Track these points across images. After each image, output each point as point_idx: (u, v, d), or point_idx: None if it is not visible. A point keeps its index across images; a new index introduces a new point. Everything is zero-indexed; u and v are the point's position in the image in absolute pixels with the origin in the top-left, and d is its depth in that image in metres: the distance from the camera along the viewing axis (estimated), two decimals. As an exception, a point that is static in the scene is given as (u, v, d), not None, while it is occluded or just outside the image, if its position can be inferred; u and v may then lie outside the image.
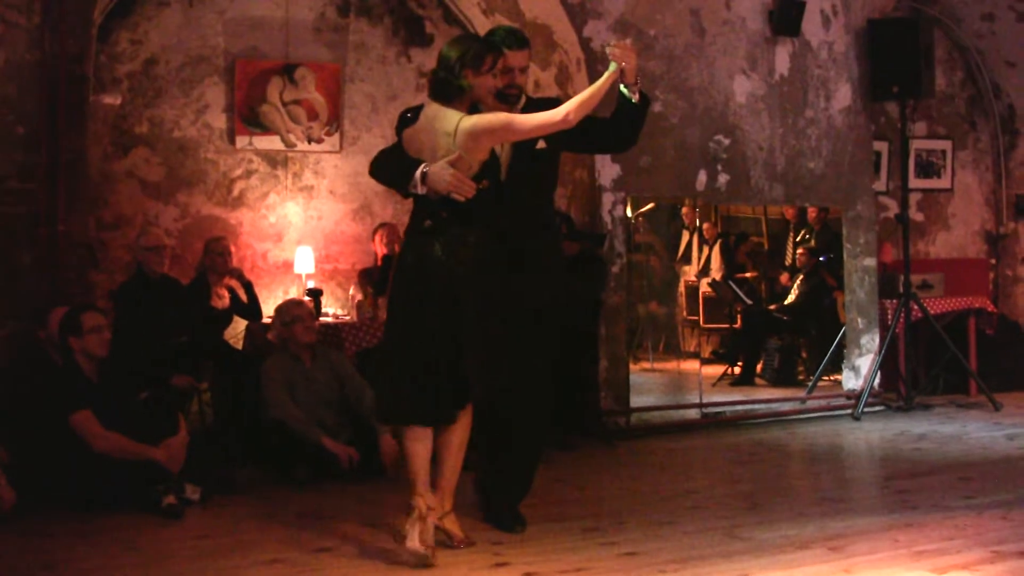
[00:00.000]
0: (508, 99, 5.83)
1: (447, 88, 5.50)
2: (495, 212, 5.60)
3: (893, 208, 11.63)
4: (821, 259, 12.18)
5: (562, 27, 9.32)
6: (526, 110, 5.84)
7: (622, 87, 5.81)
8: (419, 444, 5.49)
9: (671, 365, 12.57)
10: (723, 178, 9.91)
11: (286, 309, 7.83)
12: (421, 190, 5.43)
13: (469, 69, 5.50)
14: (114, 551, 5.68)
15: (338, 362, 7.84)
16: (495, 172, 5.66)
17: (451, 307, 5.45)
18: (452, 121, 5.41)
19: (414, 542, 5.21)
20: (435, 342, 5.46)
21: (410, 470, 5.47)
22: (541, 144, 5.85)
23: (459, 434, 5.65)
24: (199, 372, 8.32)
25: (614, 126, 5.99)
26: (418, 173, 5.41)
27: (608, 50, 5.70)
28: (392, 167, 5.70)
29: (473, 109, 5.55)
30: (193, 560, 5.56)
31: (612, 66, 5.65)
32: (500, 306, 5.59)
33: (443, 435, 5.61)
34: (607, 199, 9.33)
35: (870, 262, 10.76)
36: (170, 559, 5.57)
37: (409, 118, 5.67)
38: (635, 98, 5.85)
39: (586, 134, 5.76)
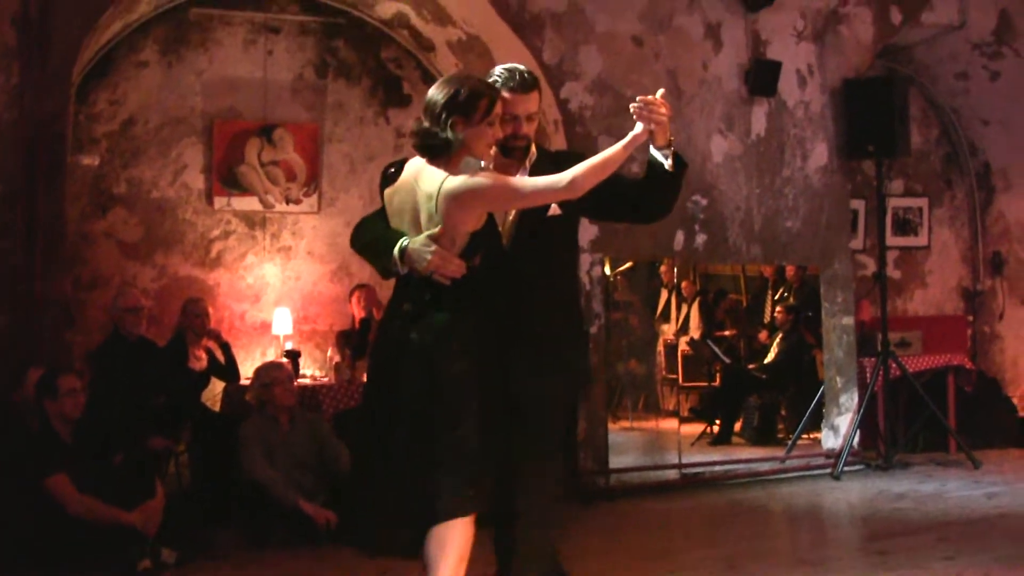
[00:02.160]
0: (512, 153, 4.84)
1: (436, 141, 4.54)
2: (494, 293, 4.69)
3: (871, 266, 11.68)
4: (800, 317, 12.20)
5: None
6: (537, 167, 4.86)
7: (652, 151, 4.74)
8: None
9: (650, 423, 12.54)
10: (701, 238, 9.93)
11: (265, 371, 7.81)
12: (401, 270, 4.59)
13: (459, 117, 4.51)
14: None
15: (316, 424, 7.81)
16: (492, 244, 4.70)
17: (426, 412, 4.49)
18: (435, 182, 4.49)
19: None
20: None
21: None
22: (555, 209, 4.83)
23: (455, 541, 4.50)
24: (176, 433, 8.28)
25: (644, 193, 4.86)
26: (396, 250, 4.56)
27: (632, 108, 4.64)
28: (370, 240, 4.80)
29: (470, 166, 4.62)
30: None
31: (638, 126, 4.62)
32: (498, 413, 4.58)
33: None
34: (585, 259, 9.34)
35: (848, 320, 10.77)
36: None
37: (392, 174, 4.73)
38: (668, 163, 4.73)
39: (610, 200, 4.78)
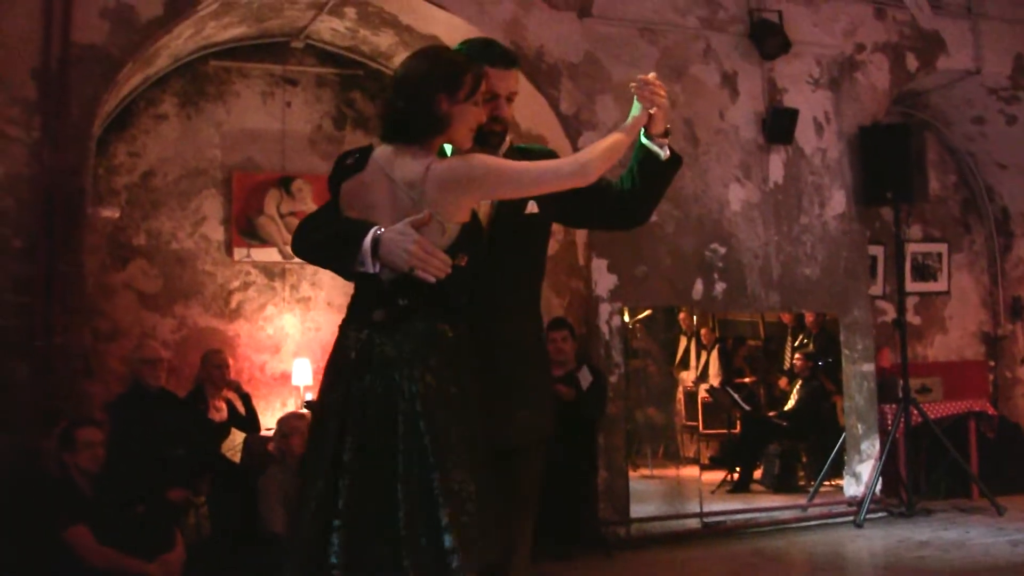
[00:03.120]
0: (489, 139, 4.13)
1: (414, 122, 3.85)
2: (473, 302, 3.94)
3: (890, 312, 11.66)
4: (819, 363, 12.17)
5: (556, 137, 9.38)
6: (509, 159, 4.11)
7: (643, 138, 4.20)
8: None
9: (670, 471, 12.49)
10: (719, 286, 9.92)
11: (286, 421, 7.81)
12: (371, 267, 3.77)
13: (443, 94, 3.85)
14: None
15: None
16: (477, 244, 3.94)
17: (402, 443, 3.70)
18: (417, 166, 3.81)
19: None
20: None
21: None
22: (532, 207, 4.15)
23: None
24: (196, 485, 8.27)
25: (629, 190, 4.28)
26: (367, 240, 3.75)
27: (632, 86, 4.17)
28: (325, 236, 3.96)
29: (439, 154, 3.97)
30: None
31: (636, 107, 4.14)
32: (478, 444, 3.80)
33: None
34: (604, 309, 9.34)
35: (868, 367, 10.74)
36: None
37: (349, 165, 3.98)
38: (664, 153, 4.24)
39: (590, 198, 4.15)
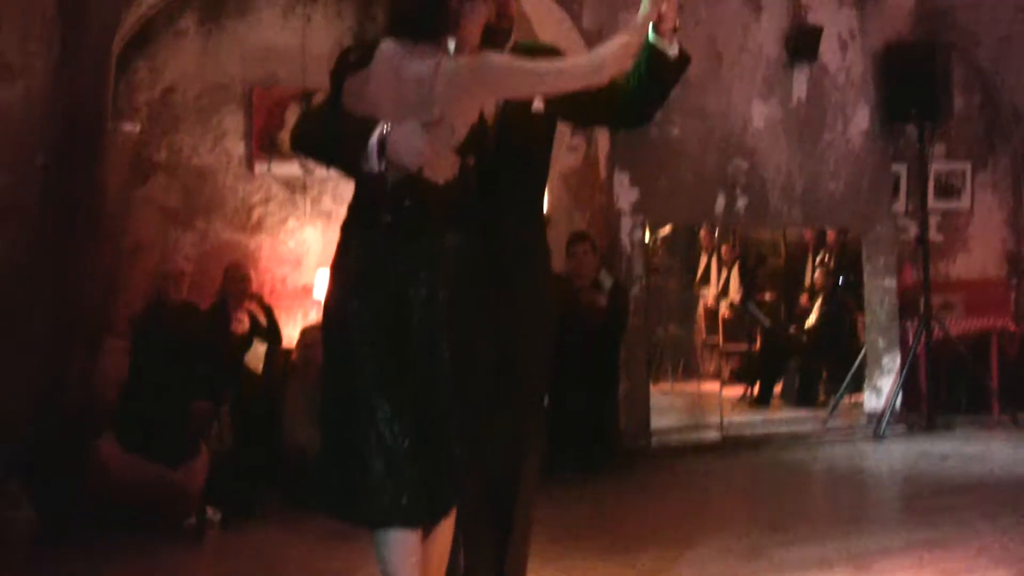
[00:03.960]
0: (495, 38, 4.00)
1: (424, 17, 3.69)
2: (479, 205, 3.86)
3: (912, 230, 11.59)
4: (840, 281, 12.16)
5: (577, 53, 9.29)
6: None
7: (651, 36, 3.96)
8: (410, 558, 3.64)
9: (691, 387, 12.57)
10: (742, 202, 9.90)
11: (309, 332, 7.86)
12: (376, 165, 3.63)
13: None
14: (137, 574, 5.67)
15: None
16: (484, 144, 3.85)
17: (418, 346, 3.64)
18: (427, 63, 3.65)
19: None
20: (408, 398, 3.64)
21: None
22: (538, 106, 4.08)
23: (443, 538, 3.82)
24: (219, 396, 8.31)
25: (636, 88, 4.07)
26: (374, 139, 3.60)
27: None
28: (329, 133, 3.82)
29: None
30: (216, 583, 5.57)
31: (645, 3, 3.89)
32: (485, 349, 3.78)
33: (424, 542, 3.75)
34: (626, 223, 9.32)
35: (890, 283, 10.73)
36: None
37: (354, 61, 3.79)
38: (673, 52, 4.01)
39: (595, 97, 3.94)
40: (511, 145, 4.00)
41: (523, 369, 4.05)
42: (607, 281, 8.78)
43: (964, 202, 12.45)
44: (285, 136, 10.21)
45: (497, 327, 3.82)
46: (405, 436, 3.57)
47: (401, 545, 3.57)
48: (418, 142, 3.57)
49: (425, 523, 3.64)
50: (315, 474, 3.87)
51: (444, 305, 3.61)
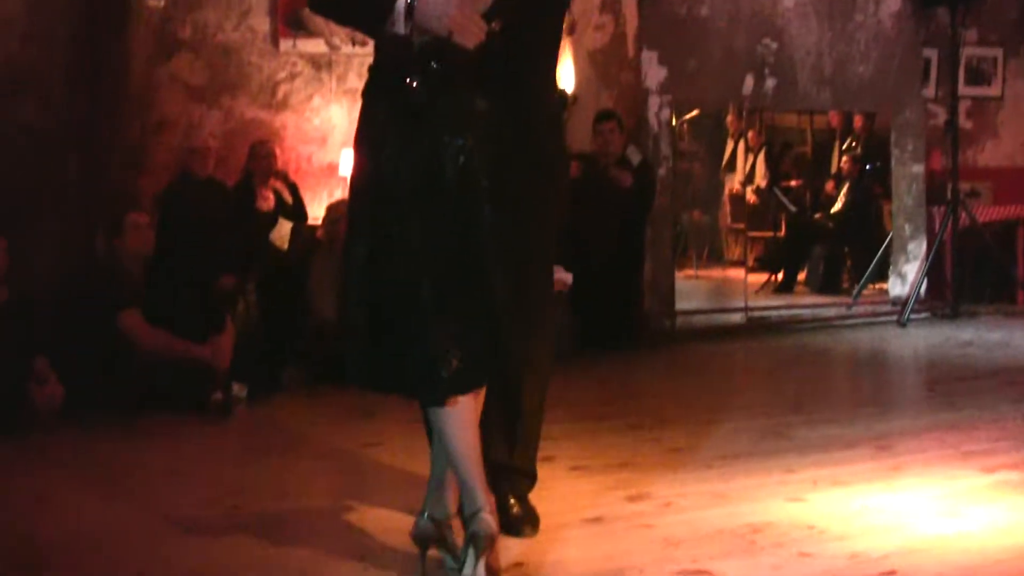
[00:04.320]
0: None
1: None
2: (503, 72, 3.65)
3: (942, 116, 11.47)
4: (867, 167, 12.08)
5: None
6: None
7: None
8: (472, 426, 3.54)
9: (715, 273, 12.56)
10: (770, 82, 9.82)
11: (335, 207, 7.85)
12: (403, 28, 3.48)
13: None
14: (163, 448, 5.72)
15: (384, 263, 7.83)
16: (510, 8, 3.65)
17: (457, 206, 3.50)
18: None
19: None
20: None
21: (465, 466, 3.52)
22: None
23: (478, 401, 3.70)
24: (245, 273, 8.33)
25: None
26: (402, 0, 3.44)
27: None
28: None
29: None
30: (242, 456, 5.61)
31: None
32: (512, 214, 3.61)
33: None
34: (653, 102, 9.26)
35: (918, 168, 10.67)
36: (219, 456, 5.62)
37: None
38: None
39: None
40: (530, 10, 3.80)
41: (536, 243, 3.92)
42: (635, 156, 8.72)
43: (995, 89, 12.31)
44: (310, 12, 10.12)
45: (517, 191, 3.67)
46: (448, 300, 3.47)
47: (461, 414, 3.47)
48: (449, 7, 3.42)
49: (476, 389, 3.55)
50: (355, 351, 3.66)
51: (482, 165, 3.49)
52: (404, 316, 3.47)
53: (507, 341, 3.57)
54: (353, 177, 3.74)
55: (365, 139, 3.64)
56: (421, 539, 3.64)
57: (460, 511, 3.66)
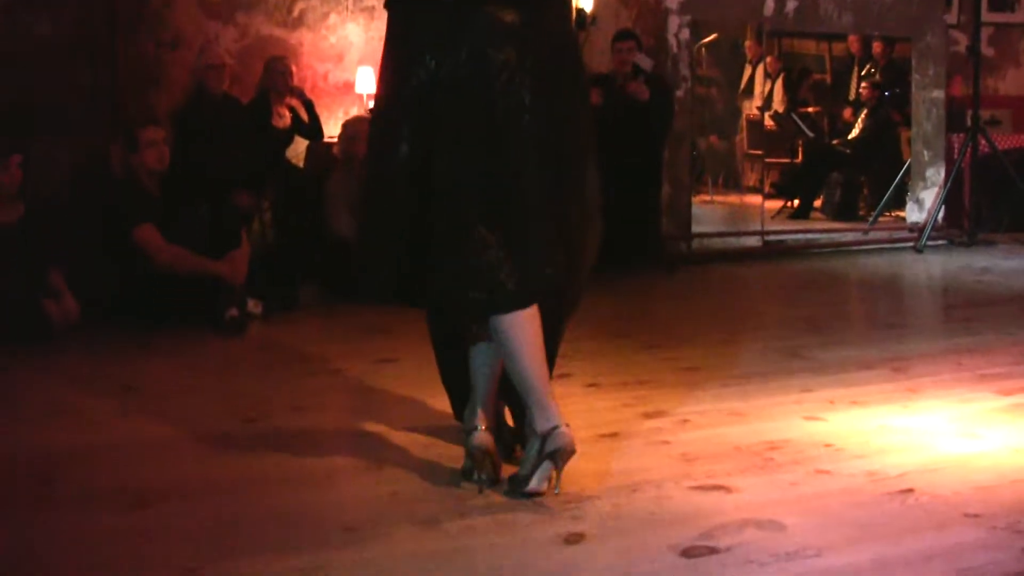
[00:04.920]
0: None
1: None
2: None
3: (963, 42, 11.37)
4: (886, 94, 11.98)
5: None
6: None
7: None
8: (539, 340, 3.52)
9: (732, 198, 12.51)
10: (791, 4, 9.72)
11: (352, 124, 7.81)
12: None
13: None
14: (177, 363, 5.73)
15: (400, 180, 7.81)
16: None
17: (503, 115, 3.46)
18: None
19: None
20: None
21: (533, 382, 3.48)
22: None
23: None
24: (261, 190, 8.30)
25: None
26: None
27: None
28: None
29: None
30: (258, 370, 5.61)
31: None
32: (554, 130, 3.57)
33: None
34: (673, 22, 9.18)
35: (938, 94, 10.58)
36: (235, 370, 5.63)
37: None
38: None
39: None
40: None
41: (576, 159, 3.77)
42: (645, 62, 8.62)
43: (1018, 16, 12.18)
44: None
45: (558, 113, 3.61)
46: (498, 209, 3.48)
47: (527, 327, 3.47)
48: None
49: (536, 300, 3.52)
50: (388, 268, 3.73)
51: (524, 79, 3.46)
52: (459, 231, 3.48)
53: (557, 254, 3.58)
54: (384, 93, 3.70)
55: (400, 43, 3.61)
56: (482, 450, 3.65)
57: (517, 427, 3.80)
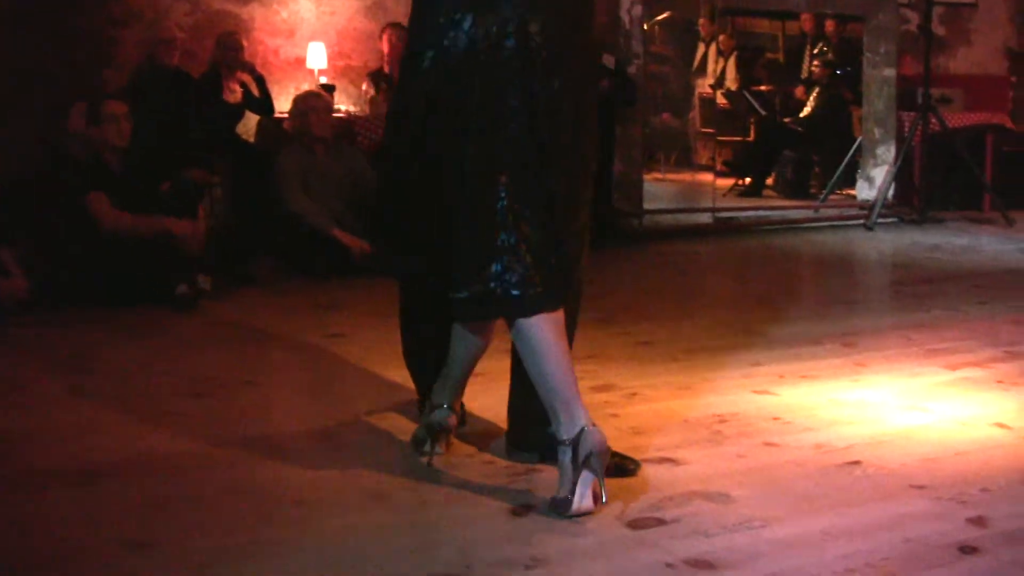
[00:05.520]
0: None
1: None
2: None
3: (915, 21, 11.43)
4: (838, 72, 12.03)
5: None
6: None
7: None
8: (564, 340, 3.37)
9: (684, 176, 12.53)
10: (745, -18, 9.75)
11: (303, 99, 7.77)
12: None
13: None
14: (128, 340, 5.69)
15: (351, 155, 7.79)
16: None
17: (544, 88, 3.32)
18: None
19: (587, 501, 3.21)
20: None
21: (559, 385, 3.28)
22: None
23: None
24: (212, 167, 8.25)
25: None
26: None
27: None
28: None
29: None
30: (210, 346, 5.57)
31: None
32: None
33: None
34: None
35: (890, 72, 10.63)
36: (187, 346, 5.58)
37: None
38: None
39: None
40: None
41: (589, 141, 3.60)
42: (609, 61, 8.66)
43: (969, -5, 12.26)
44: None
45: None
46: (537, 204, 3.32)
47: (553, 324, 3.29)
48: None
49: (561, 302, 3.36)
50: (406, 260, 3.66)
51: (567, 53, 3.34)
52: (495, 223, 3.29)
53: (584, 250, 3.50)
54: (413, 52, 3.51)
55: (432, 10, 3.41)
56: (444, 428, 3.63)
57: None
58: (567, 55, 3.36)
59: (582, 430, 3.19)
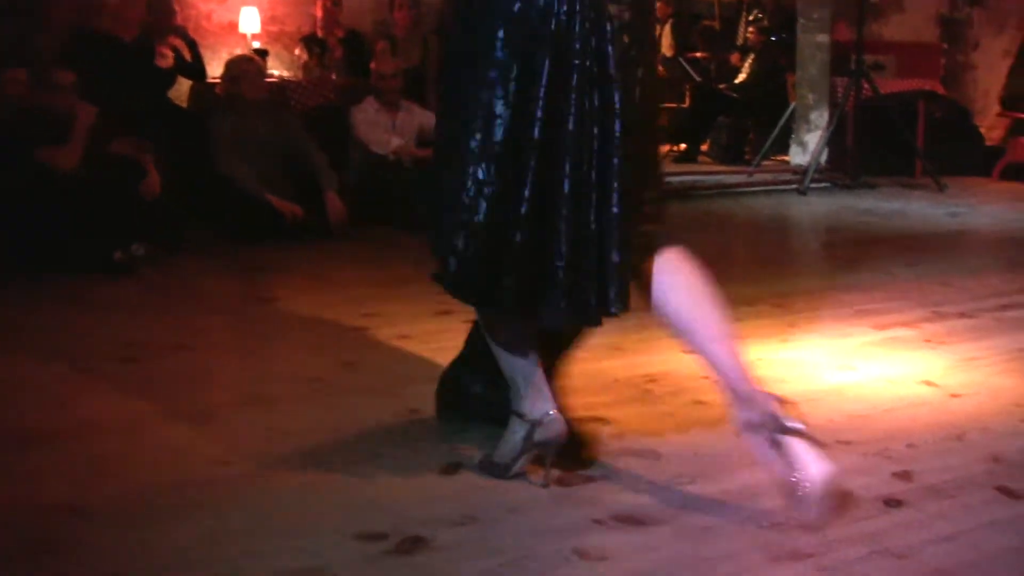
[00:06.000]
0: None
1: None
2: None
3: (849, -14, 11.50)
4: (772, 38, 12.08)
5: None
6: None
7: None
8: None
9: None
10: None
11: (235, 64, 7.71)
12: None
13: None
14: (62, 306, 5.63)
15: (285, 120, 7.75)
16: None
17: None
18: None
19: None
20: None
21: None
22: None
23: None
24: (146, 132, 8.16)
25: None
26: None
27: None
28: None
29: None
30: (145, 311, 5.52)
31: None
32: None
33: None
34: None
35: (823, 38, 10.70)
36: (119, 311, 5.53)
37: None
38: None
39: None
40: None
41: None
42: None
43: (902, -38, 12.35)
44: None
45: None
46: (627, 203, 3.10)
47: None
48: None
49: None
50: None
51: (644, 40, 3.09)
52: (594, 220, 3.03)
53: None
54: (456, 37, 3.17)
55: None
56: (562, 437, 3.17)
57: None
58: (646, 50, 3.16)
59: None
